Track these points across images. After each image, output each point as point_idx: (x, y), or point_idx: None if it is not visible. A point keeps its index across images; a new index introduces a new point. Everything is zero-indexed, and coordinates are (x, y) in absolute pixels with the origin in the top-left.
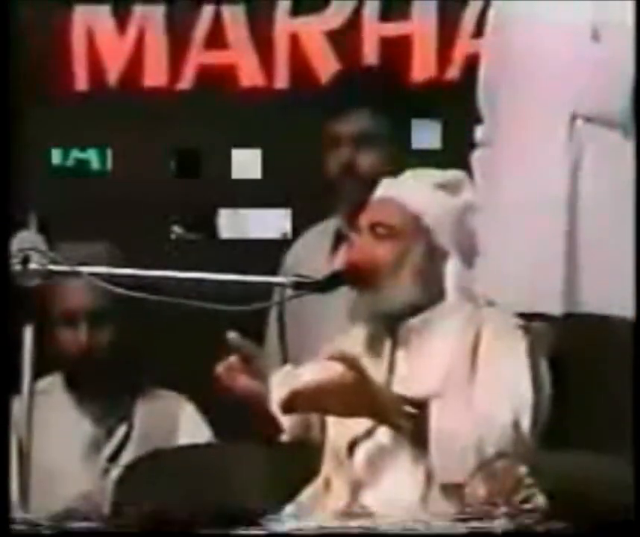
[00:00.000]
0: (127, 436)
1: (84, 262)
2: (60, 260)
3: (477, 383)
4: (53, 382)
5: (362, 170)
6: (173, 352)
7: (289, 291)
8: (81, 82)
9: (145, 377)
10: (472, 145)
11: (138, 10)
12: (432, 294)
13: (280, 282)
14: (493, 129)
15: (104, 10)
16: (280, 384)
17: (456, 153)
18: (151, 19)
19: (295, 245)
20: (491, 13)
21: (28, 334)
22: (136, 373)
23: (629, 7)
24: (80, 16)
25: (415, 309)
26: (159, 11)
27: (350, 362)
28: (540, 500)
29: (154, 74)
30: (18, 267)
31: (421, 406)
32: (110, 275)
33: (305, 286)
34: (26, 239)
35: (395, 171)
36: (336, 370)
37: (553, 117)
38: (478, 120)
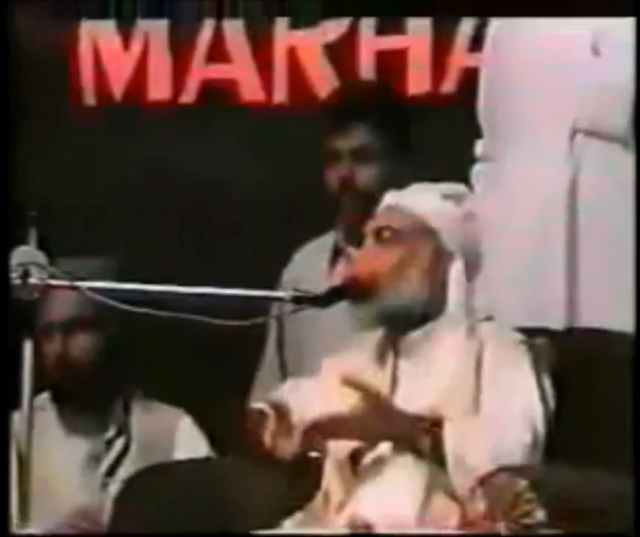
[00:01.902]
0: (124, 450)
1: (83, 276)
2: (59, 275)
3: (485, 400)
4: (49, 397)
5: (361, 185)
6: (171, 366)
7: (289, 306)
8: (89, 97)
9: (142, 391)
10: (471, 159)
11: (142, 25)
12: (438, 297)
13: (279, 296)
14: (493, 143)
15: (110, 25)
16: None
17: (453, 166)
18: (155, 34)
19: (294, 259)
20: (491, 28)
21: (28, 348)
22: (134, 387)
23: (629, 21)
24: (87, 31)
25: (422, 312)
26: (162, 26)
27: (365, 388)
28: (540, 514)
29: (158, 89)
30: (17, 281)
31: (437, 424)
32: (109, 289)
33: (304, 301)
34: (26, 254)
35: (394, 185)
36: (348, 394)
37: (553, 131)
38: (478, 135)
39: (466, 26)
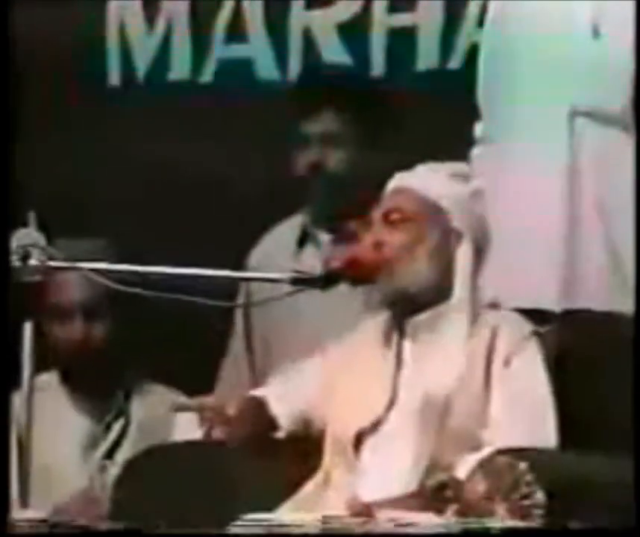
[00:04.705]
0: (123, 432)
1: (82, 258)
2: (59, 256)
3: (496, 395)
4: (50, 379)
5: (330, 170)
6: (169, 348)
7: (288, 288)
8: (113, 77)
9: (141, 372)
10: (472, 140)
11: (166, 5)
12: (446, 279)
13: (277, 278)
14: (492, 125)
15: (135, 5)
16: (279, 383)
17: (456, 146)
18: (178, 14)
19: (261, 242)
20: (491, 8)
21: (28, 330)
22: (132, 368)
23: (630, 4)
24: (114, 11)
25: (431, 294)
26: (184, 6)
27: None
28: (540, 497)
29: (179, 68)
30: (18, 263)
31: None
32: (108, 271)
33: (303, 283)
34: (26, 236)
35: (364, 171)
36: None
37: (553, 114)
38: (478, 116)
39: (475, 4)
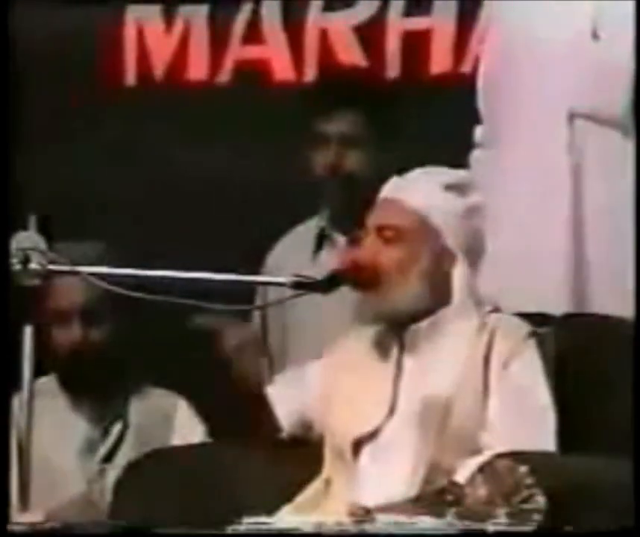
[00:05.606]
0: (121, 436)
1: (81, 261)
2: (59, 260)
3: (495, 398)
4: (49, 382)
5: (348, 171)
6: (168, 351)
7: (289, 291)
8: (130, 78)
9: (140, 376)
10: (468, 145)
11: (184, 9)
12: (439, 297)
13: (280, 282)
14: (492, 130)
15: (155, 10)
16: (285, 386)
17: (461, 151)
18: (196, 18)
19: (278, 245)
20: (492, 11)
21: (28, 334)
22: (131, 372)
23: (630, 6)
24: (133, 15)
25: (423, 312)
26: (203, 10)
27: None
28: (540, 500)
29: (196, 70)
30: (18, 267)
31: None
32: (108, 274)
33: (305, 286)
34: (26, 239)
35: (381, 172)
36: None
37: (553, 117)
38: (478, 121)
39: (487, 7)
